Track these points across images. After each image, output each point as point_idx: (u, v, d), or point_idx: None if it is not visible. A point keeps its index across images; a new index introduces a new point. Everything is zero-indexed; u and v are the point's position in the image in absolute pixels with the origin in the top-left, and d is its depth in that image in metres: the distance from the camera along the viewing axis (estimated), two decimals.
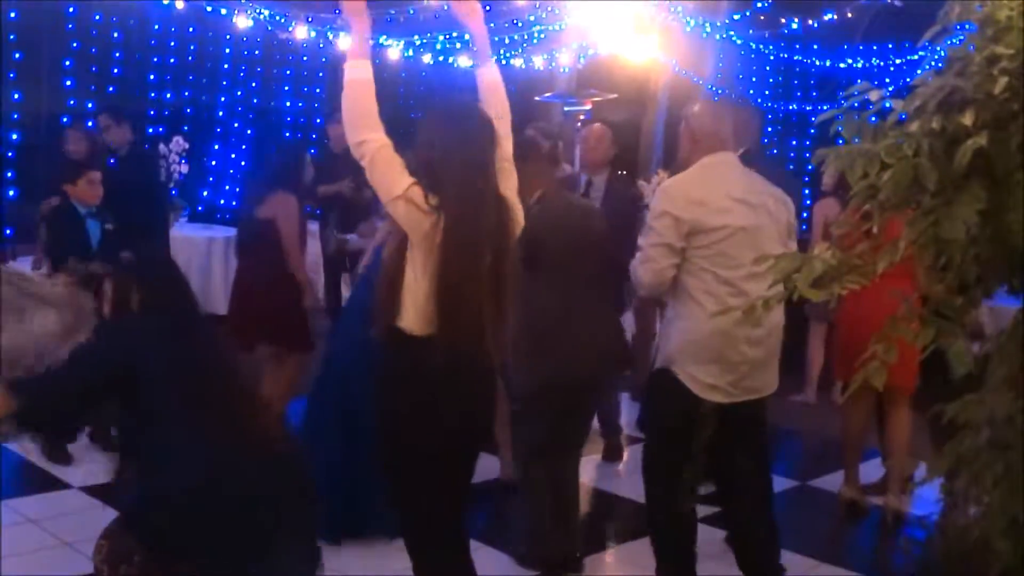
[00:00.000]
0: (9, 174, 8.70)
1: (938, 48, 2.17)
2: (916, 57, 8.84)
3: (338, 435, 4.59)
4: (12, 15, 8.68)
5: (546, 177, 4.27)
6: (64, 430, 3.06)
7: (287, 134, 10.83)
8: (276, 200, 5.65)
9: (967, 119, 1.82)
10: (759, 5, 8.58)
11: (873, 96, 2.02)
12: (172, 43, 10.03)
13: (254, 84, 10.70)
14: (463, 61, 10.04)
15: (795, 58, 10.10)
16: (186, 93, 10.24)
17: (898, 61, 9.64)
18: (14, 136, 8.72)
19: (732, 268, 3.60)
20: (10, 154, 8.70)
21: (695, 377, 3.68)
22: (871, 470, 5.54)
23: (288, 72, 10.82)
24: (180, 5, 7.97)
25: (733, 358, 3.66)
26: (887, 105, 2.07)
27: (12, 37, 8.69)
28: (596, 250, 4.22)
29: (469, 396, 3.10)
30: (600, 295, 4.27)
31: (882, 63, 9.61)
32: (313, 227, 7.07)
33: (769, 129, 11.56)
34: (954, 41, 2.11)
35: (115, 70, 9.66)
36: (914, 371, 4.75)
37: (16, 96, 8.66)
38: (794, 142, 11.42)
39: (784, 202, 3.86)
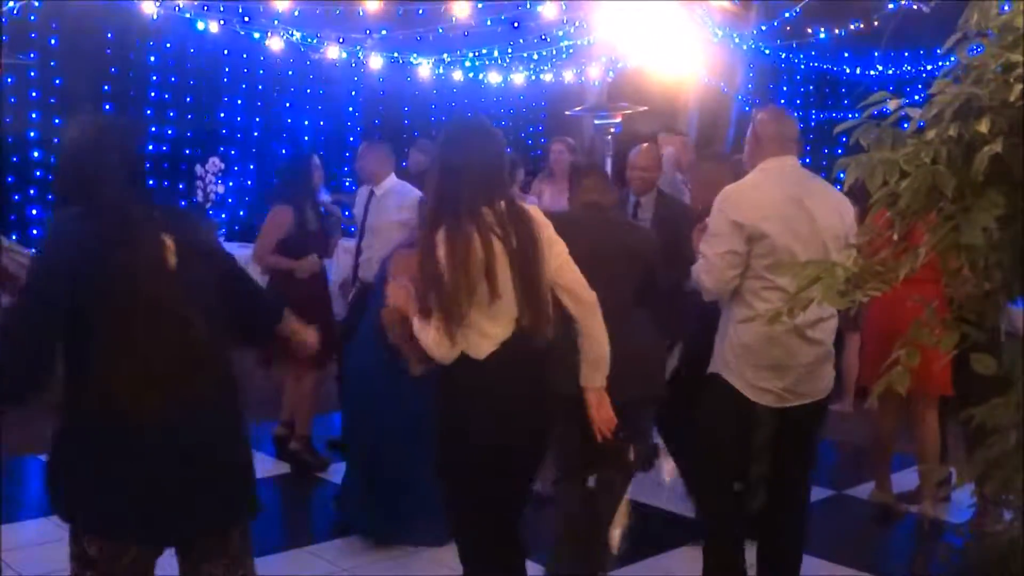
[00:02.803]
0: (50, 197, 8.88)
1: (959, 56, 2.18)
2: (948, 63, 8.78)
3: (374, 445, 4.72)
4: (52, 42, 8.88)
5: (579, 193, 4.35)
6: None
7: (321, 152, 10.95)
8: (271, 212, 5.88)
9: (983, 126, 1.84)
10: (787, 15, 8.58)
11: (892, 105, 2.05)
12: (207, 66, 10.20)
13: (288, 104, 10.85)
14: (492, 77, 10.13)
15: (825, 66, 10.09)
16: (221, 114, 10.40)
17: (929, 67, 9.60)
18: (55, 160, 8.89)
19: (785, 274, 3.47)
20: (51, 178, 8.87)
21: (748, 381, 3.67)
22: (907, 478, 5.52)
23: (321, 92, 10.95)
24: (215, 29, 8.12)
25: (786, 362, 3.65)
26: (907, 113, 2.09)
27: (52, 63, 8.89)
28: (629, 266, 4.15)
29: (513, 410, 3.14)
30: (638, 314, 4.14)
31: (912, 69, 9.58)
32: (348, 243, 7.13)
33: (800, 138, 11.53)
34: (977, 48, 2.13)
35: (152, 94, 9.84)
36: (945, 376, 4.74)
37: (57, 121, 8.83)
38: (825, 151, 11.38)
39: (843, 206, 3.83)
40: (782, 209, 3.64)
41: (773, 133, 3.82)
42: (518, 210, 3.16)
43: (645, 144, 5.84)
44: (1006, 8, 2.07)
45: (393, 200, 6.05)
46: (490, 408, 3.11)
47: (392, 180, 6.24)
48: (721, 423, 3.78)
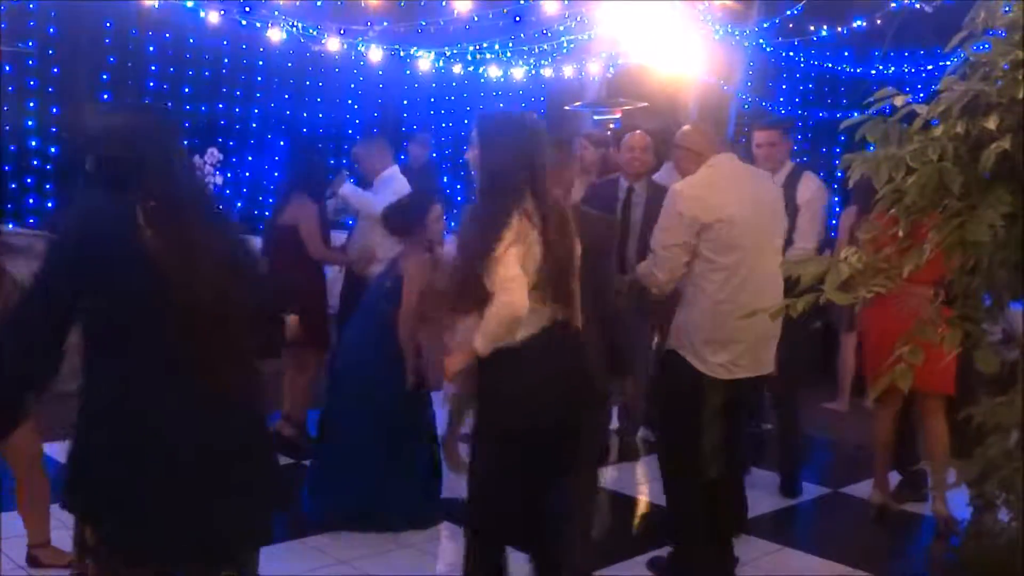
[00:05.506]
0: (48, 186, 8.85)
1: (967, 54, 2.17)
2: (949, 63, 8.76)
3: (361, 432, 4.78)
4: (51, 30, 8.84)
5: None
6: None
7: (319, 145, 10.92)
8: (295, 206, 5.81)
9: (991, 123, 1.84)
10: (788, 12, 8.56)
11: (898, 101, 2.04)
12: (206, 56, 10.15)
13: (287, 96, 10.81)
14: (492, 71, 10.10)
15: (826, 65, 10.07)
16: (220, 105, 10.35)
17: (930, 67, 9.58)
18: (52, 149, 8.87)
19: (730, 254, 3.97)
20: (49, 167, 8.84)
21: (700, 356, 4.02)
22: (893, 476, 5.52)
23: (320, 84, 10.90)
24: (214, 19, 8.08)
25: (734, 337, 3.99)
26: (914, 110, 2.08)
27: (51, 52, 8.85)
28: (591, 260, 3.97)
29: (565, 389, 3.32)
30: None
31: (913, 69, 9.57)
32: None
33: (800, 136, 11.52)
34: (983, 46, 2.12)
35: (151, 83, 9.79)
36: (950, 375, 4.73)
37: (54, 110, 8.80)
38: (824, 149, 11.37)
39: (777, 191, 4.46)
40: (726, 197, 4.02)
41: (706, 139, 4.22)
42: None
43: (639, 131, 5.90)
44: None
45: (389, 192, 6.07)
46: (542, 387, 3.24)
47: (390, 171, 6.31)
48: (678, 394, 4.13)
